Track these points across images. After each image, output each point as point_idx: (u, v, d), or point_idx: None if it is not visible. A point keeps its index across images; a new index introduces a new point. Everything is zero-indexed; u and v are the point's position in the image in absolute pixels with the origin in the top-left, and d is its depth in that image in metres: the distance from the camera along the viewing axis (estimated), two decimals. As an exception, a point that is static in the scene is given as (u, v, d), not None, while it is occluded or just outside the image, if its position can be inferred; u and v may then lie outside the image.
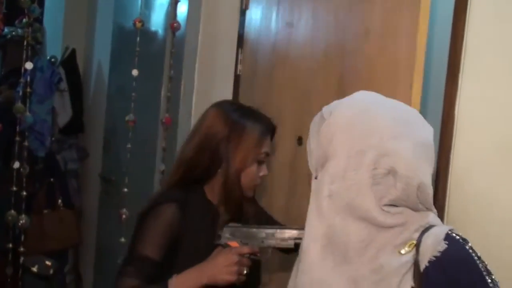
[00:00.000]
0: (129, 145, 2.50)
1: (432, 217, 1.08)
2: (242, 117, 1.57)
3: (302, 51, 1.92)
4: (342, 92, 1.54)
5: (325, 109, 1.14)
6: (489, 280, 1.01)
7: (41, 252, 3.14)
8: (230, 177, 1.54)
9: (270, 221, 1.69)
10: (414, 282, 1.01)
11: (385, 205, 1.05)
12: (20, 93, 2.68)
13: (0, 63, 3.60)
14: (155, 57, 2.80)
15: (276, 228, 1.49)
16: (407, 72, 1.51)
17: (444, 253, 1.01)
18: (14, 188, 2.56)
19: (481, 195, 1.45)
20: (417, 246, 1.02)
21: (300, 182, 1.11)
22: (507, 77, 1.43)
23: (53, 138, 3.46)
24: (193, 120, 2.46)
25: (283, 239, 1.43)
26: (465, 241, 1.05)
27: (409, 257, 1.03)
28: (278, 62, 2.05)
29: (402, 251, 1.03)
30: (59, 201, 3.27)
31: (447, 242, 1.02)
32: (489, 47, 1.46)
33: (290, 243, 1.42)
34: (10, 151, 2.70)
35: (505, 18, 1.44)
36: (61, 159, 3.58)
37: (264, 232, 1.46)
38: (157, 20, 2.93)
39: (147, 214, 1.55)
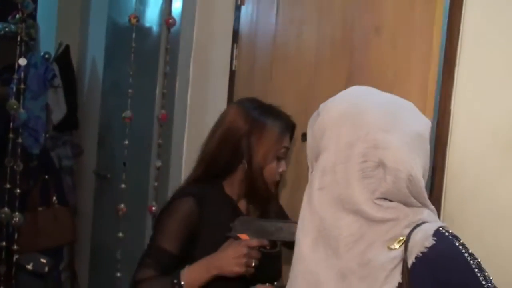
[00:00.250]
0: (126, 141, 2.50)
1: (426, 213, 1.07)
2: (262, 115, 1.61)
3: (306, 47, 1.91)
4: (350, 88, 1.55)
5: (322, 105, 1.15)
6: (481, 278, 1.00)
7: (36, 249, 3.14)
8: (254, 173, 1.58)
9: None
10: (402, 278, 1.00)
11: (378, 198, 1.05)
12: (14, 89, 2.66)
13: (-7, 59, 3.58)
14: (149, 53, 2.80)
15: (286, 223, 1.52)
16: (421, 69, 1.52)
17: (431, 249, 1.00)
18: (8, 186, 2.55)
19: (478, 190, 1.45)
20: (406, 242, 1.02)
21: (304, 177, 1.11)
22: (503, 71, 1.43)
23: (47, 135, 3.45)
24: (188, 116, 2.47)
25: (292, 233, 1.44)
26: (455, 238, 1.04)
27: (398, 253, 1.02)
28: (278, 57, 2.04)
29: (392, 247, 1.03)
30: (54, 198, 3.27)
31: (435, 238, 1.01)
32: (485, 41, 1.45)
33: None
34: (3, 148, 2.68)
35: (501, 12, 1.44)
36: (56, 156, 3.57)
37: (274, 225, 1.50)
38: (151, 16, 2.91)
39: (166, 208, 1.61)
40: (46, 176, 3.28)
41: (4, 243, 2.61)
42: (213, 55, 2.39)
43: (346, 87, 1.18)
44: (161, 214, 1.62)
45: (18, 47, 2.54)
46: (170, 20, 2.48)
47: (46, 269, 3.18)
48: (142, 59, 2.59)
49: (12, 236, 2.63)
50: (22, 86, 2.59)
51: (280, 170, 1.62)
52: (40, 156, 3.33)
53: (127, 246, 2.62)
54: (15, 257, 2.65)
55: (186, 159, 2.46)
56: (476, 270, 1.00)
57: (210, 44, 2.40)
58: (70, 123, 3.64)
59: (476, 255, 1.03)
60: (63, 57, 3.61)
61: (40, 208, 3.20)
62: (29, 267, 3.10)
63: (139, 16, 2.57)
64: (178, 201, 1.60)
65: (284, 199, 1.91)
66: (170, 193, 2.47)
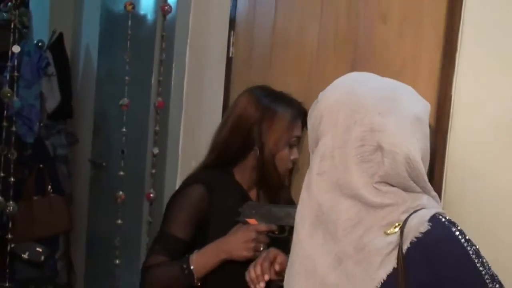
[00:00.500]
0: (124, 129, 2.48)
1: (426, 199, 1.07)
2: (273, 102, 1.60)
3: (308, 34, 1.89)
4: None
5: (321, 93, 1.15)
6: (479, 264, 0.99)
7: (31, 238, 3.14)
8: (265, 160, 1.58)
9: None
10: (397, 263, 0.99)
11: (377, 182, 1.04)
12: (7, 77, 2.63)
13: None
14: (145, 40, 2.77)
15: (295, 208, 1.51)
16: (430, 58, 1.51)
17: (425, 234, 1.00)
18: (2, 174, 2.54)
19: (479, 177, 1.44)
20: (402, 227, 1.01)
21: (307, 165, 1.11)
22: (505, 57, 1.42)
23: (41, 124, 3.43)
24: (185, 103, 2.46)
25: None
26: (452, 224, 1.03)
27: (394, 238, 1.01)
28: (278, 44, 2.02)
29: (388, 232, 1.02)
30: (49, 187, 3.25)
31: (430, 224, 1.00)
32: (487, 26, 1.44)
33: None
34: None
35: (502, -2, 1.43)
36: (50, 145, 3.55)
37: (283, 210, 1.51)
38: (147, 3, 2.88)
39: (176, 195, 1.63)
40: (41, 165, 3.26)
41: (-2, 232, 2.59)
42: (209, 41, 2.37)
43: (350, 75, 1.17)
44: (171, 200, 1.63)
45: (11, 35, 2.51)
46: (166, 7, 2.46)
47: (42, 258, 3.18)
48: (138, 46, 2.57)
49: (7, 225, 2.61)
50: (15, 74, 2.56)
51: (292, 157, 1.62)
52: (34, 145, 3.31)
53: (124, 234, 2.61)
54: (10, 246, 2.64)
55: (183, 146, 2.45)
56: (473, 256, 0.99)
57: (207, 30, 2.38)
58: (65, 111, 3.61)
59: (475, 242, 1.02)
60: (57, 45, 3.56)
61: (35, 197, 3.18)
62: (25, 256, 3.10)
63: (134, 3, 2.54)
64: (189, 187, 1.60)
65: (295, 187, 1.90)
66: (167, 180, 2.49)
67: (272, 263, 1.41)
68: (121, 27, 2.62)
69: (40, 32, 3.67)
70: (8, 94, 2.52)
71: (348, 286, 1.03)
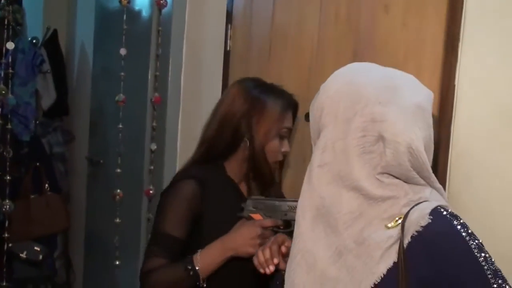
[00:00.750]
0: (120, 125, 2.45)
1: (428, 192, 1.05)
2: (263, 93, 1.58)
3: (308, 26, 1.86)
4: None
5: (322, 85, 1.14)
6: (481, 259, 0.97)
7: (29, 237, 3.11)
8: (255, 151, 1.55)
9: None
10: (398, 257, 0.98)
11: (380, 173, 1.03)
12: (2, 74, 2.60)
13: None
14: (141, 35, 2.74)
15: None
16: (434, 48, 1.48)
17: (426, 228, 0.98)
18: (-2, 173, 2.51)
19: (483, 167, 1.42)
20: (403, 221, 1.00)
21: (309, 159, 1.08)
22: (508, 45, 1.40)
23: (37, 122, 3.41)
24: (182, 98, 2.43)
25: None
26: (454, 217, 1.01)
27: (394, 232, 1.00)
28: (277, 37, 2.00)
29: (389, 225, 1.01)
30: (46, 185, 3.22)
31: (431, 217, 0.99)
32: (490, 14, 1.42)
33: None
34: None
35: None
36: (46, 143, 3.55)
37: (287, 205, 1.48)
38: (142, -2, 2.85)
39: (167, 192, 1.57)
40: (38, 163, 3.23)
41: (-5, 232, 2.57)
42: (206, 35, 2.34)
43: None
44: (162, 198, 1.58)
45: (5, 31, 2.47)
46: (161, 1, 2.43)
47: (40, 257, 3.16)
48: (134, 41, 2.54)
49: (4, 224, 2.59)
50: (10, 71, 2.53)
51: (283, 150, 1.59)
52: (30, 143, 3.30)
53: (123, 232, 2.58)
54: (7, 245, 2.62)
55: (181, 141, 2.43)
56: (475, 251, 0.97)
57: (203, 24, 2.36)
58: (60, 109, 3.60)
59: (480, 235, 1.00)
60: (51, 42, 3.55)
61: (32, 196, 3.16)
62: (23, 255, 3.08)
63: (129, -3, 2.50)
64: (180, 183, 1.55)
65: (287, 182, 1.88)
66: (165, 176, 2.46)
67: (280, 247, 1.37)
68: (116, 23, 2.59)
69: (34, 29, 3.66)
70: (3, 92, 2.48)
71: (348, 280, 1.02)
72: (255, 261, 1.36)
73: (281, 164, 1.66)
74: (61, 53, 3.62)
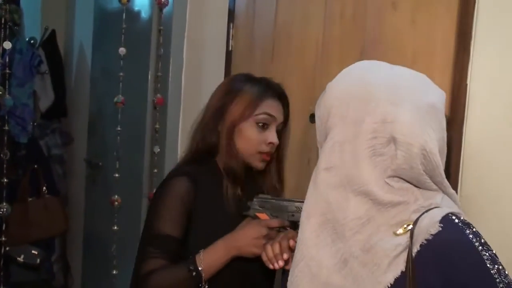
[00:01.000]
0: (119, 128, 2.41)
1: (440, 198, 1.00)
2: (242, 81, 1.54)
3: (312, 25, 1.84)
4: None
5: (328, 84, 1.10)
6: (494, 271, 0.92)
7: (27, 241, 3.09)
8: (223, 136, 1.50)
9: None
10: (406, 266, 0.94)
11: (390, 176, 0.99)
12: (-1, 75, 2.56)
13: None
14: (141, 35, 2.71)
15: None
16: (444, 47, 1.45)
17: (436, 236, 0.93)
18: (-5, 175, 2.48)
19: (496, 169, 1.39)
20: (412, 228, 0.95)
21: (313, 161, 1.04)
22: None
23: (35, 123, 3.39)
24: (183, 100, 2.40)
25: None
26: (466, 225, 0.96)
27: (403, 239, 0.96)
28: (280, 36, 1.97)
29: (397, 232, 0.97)
30: (44, 188, 3.18)
31: (441, 225, 0.94)
32: (502, 13, 1.39)
33: None
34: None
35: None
36: (44, 145, 3.53)
37: (295, 205, 1.43)
38: (142, -3, 2.82)
39: (159, 191, 1.53)
40: (35, 166, 3.20)
41: (-9, 235, 2.53)
42: (208, 35, 2.31)
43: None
44: (155, 197, 1.54)
45: (2, 31, 2.43)
46: (162, 0, 2.39)
47: (38, 260, 3.13)
48: (133, 41, 2.50)
49: (1, 227, 2.56)
50: (7, 71, 2.50)
51: (269, 141, 1.51)
52: (28, 145, 3.28)
53: (122, 236, 2.54)
54: (4, 249, 2.58)
55: (182, 144, 2.39)
56: (487, 262, 0.92)
57: (205, 23, 2.32)
58: (59, 110, 3.58)
59: (493, 239, 0.96)
60: (49, 42, 3.52)
61: (30, 199, 3.13)
62: (20, 259, 3.05)
63: (129, -4, 2.46)
64: (173, 180, 1.50)
65: (291, 184, 1.84)
66: (166, 180, 2.42)
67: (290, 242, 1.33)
68: (115, 22, 2.55)
69: (32, 30, 3.63)
70: (0, 93, 2.44)
71: None
72: (264, 257, 1.33)
73: (278, 159, 1.59)
74: (59, 53, 3.59)
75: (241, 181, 1.53)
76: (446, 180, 1.01)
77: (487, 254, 0.93)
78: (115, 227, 2.45)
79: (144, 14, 2.79)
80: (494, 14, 1.39)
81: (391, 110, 0.98)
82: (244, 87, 1.51)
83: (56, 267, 3.50)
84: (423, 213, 0.97)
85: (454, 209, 1.00)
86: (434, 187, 1.00)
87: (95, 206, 3.31)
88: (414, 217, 0.97)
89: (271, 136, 1.51)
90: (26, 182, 3.13)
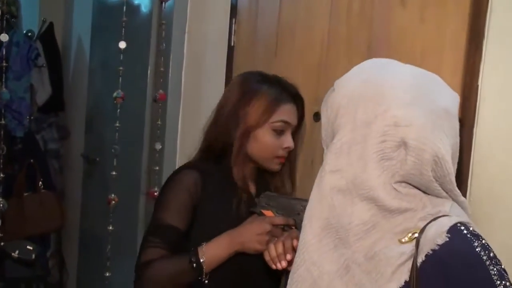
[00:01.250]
0: (117, 124, 2.36)
1: (449, 206, 0.96)
2: (258, 82, 1.51)
3: (317, 20, 1.79)
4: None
5: (336, 81, 1.05)
6: (501, 287, 0.87)
7: (22, 236, 3.07)
8: (236, 140, 1.48)
9: None
10: (410, 276, 0.89)
11: (397, 182, 0.94)
12: (-5, 67, 2.52)
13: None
14: (141, 29, 2.68)
15: None
16: (454, 45, 1.41)
17: (443, 247, 0.89)
18: (-9, 170, 2.45)
19: (507, 173, 1.34)
20: (419, 236, 0.91)
21: (318, 161, 1.01)
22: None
23: (31, 117, 3.38)
24: (183, 96, 2.37)
25: None
26: (475, 236, 0.91)
27: (408, 248, 0.91)
28: (284, 32, 1.92)
29: (402, 240, 0.93)
30: (40, 183, 3.15)
31: (449, 235, 0.90)
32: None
33: None
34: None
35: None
36: (41, 139, 3.52)
37: (301, 204, 1.40)
38: (142, -10, 2.78)
39: (167, 182, 1.52)
40: (32, 160, 3.17)
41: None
42: (209, 30, 2.27)
43: (364, 63, 1.06)
44: (163, 188, 1.54)
45: (-1, 23, 2.39)
46: (163, -6, 2.35)
47: (33, 256, 3.10)
48: (133, 35, 2.46)
49: (-4, 222, 2.54)
50: (4, 64, 2.46)
51: (285, 146, 1.50)
52: (24, 139, 3.25)
53: (118, 239, 2.50)
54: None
55: (180, 141, 2.35)
56: (495, 278, 0.88)
57: (206, 18, 2.28)
58: (56, 104, 3.56)
59: (503, 247, 0.92)
60: (47, 35, 3.50)
61: (25, 193, 3.10)
62: (15, 254, 3.03)
63: (129, -11, 2.42)
64: (182, 173, 1.51)
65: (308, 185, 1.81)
66: (164, 177, 2.37)
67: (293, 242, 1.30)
68: (115, 15, 2.51)
69: (30, 22, 3.61)
70: (-4, 86, 2.41)
71: None
72: (266, 256, 1.31)
73: (290, 159, 1.58)
74: (57, 46, 3.56)
75: (247, 185, 1.53)
76: (456, 188, 0.97)
77: (495, 269, 0.88)
78: (111, 227, 2.41)
79: (145, 8, 2.76)
80: (509, 11, 1.34)
81: (403, 113, 0.94)
82: (261, 89, 1.50)
83: (51, 263, 3.48)
84: (430, 221, 0.93)
85: (463, 218, 0.95)
86: (444, 194, 0.96)
87: (91, 202, 3.30)
88: (421, 224, 0.93)
89: (287, 141, 1.51)
90: (22, 176, 3.10)
